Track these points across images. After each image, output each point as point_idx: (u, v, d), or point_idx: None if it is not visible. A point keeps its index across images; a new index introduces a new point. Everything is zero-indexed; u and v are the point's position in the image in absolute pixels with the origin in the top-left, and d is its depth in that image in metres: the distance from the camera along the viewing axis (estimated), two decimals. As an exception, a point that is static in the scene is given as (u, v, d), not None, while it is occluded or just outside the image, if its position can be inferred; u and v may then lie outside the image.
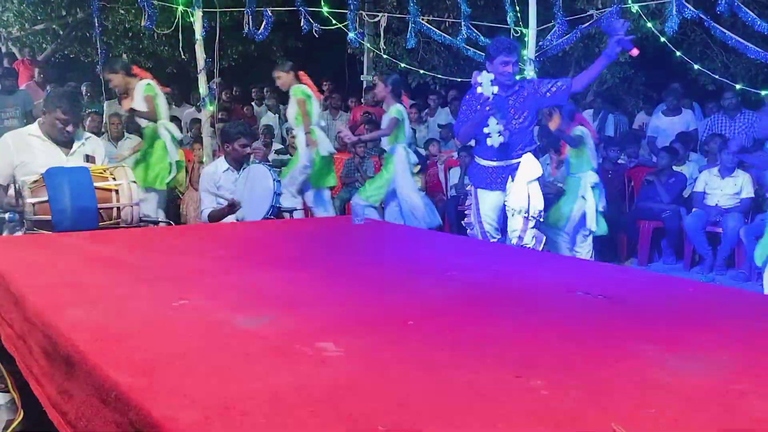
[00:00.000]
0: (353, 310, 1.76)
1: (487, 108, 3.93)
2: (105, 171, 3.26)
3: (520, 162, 4.06)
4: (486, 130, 3.99)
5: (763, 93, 5.91)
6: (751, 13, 4.77)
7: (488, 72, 3.98)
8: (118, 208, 3.16)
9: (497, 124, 3.96)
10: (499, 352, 1.46)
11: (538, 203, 4.05)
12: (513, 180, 4.07)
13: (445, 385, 1.26)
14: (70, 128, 3.51)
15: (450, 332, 1.59)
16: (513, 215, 4.08)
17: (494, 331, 1.62)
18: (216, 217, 4.30)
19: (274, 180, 4.25)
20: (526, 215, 4.02)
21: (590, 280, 2.24)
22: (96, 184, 3.10)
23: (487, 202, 4.21)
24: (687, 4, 5.06)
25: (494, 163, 4.15)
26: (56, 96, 3.66)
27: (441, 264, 2.48)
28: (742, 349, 1.53)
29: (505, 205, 4.16)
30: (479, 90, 3.91)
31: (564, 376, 1.31)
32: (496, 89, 3.91)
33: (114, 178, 3.20)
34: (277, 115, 9.49)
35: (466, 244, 3.16)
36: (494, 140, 3.98)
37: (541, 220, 4.11)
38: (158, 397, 1.15)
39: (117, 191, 3.16)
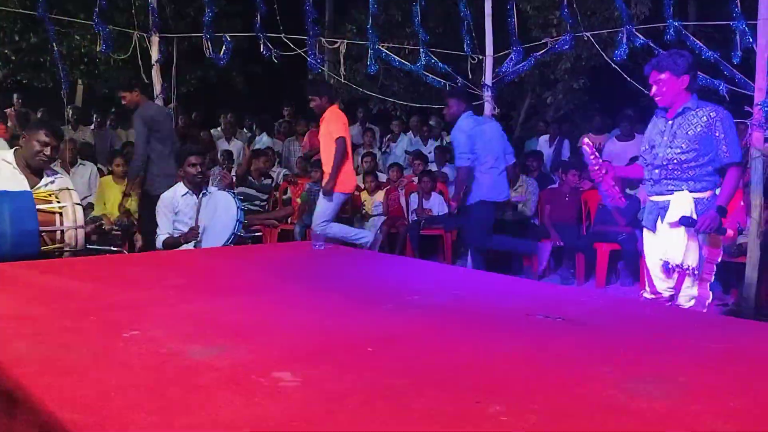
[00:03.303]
0: (311, 338, 1.73)
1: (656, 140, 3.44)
2: (50, 195, 3.16)
3: (670, 200, 3.40)
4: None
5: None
6: (698, 41, 4.94)
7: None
8: (62, 232, 3.06)
9: (650, 153, 3.49)
10: (459, 377, 1.44)
11: (676, 252, 3.33)
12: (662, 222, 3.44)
13: (405, 413, 1.23)
14: (48, 151, 3.37)
15: (410, 358, 1.57)
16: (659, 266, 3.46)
17: (454, 357, 1.60)
18: (171, 244, 4.20)
19: (238, 208, 4.19)
20: (671, 266, 3.35)
21: (549, 303, 2.25)
22: (39, 207, 3.00)
23: (647, 243, 3.58)
24: (637, 33, 5.23)
25: (652, 198, 3.53)
26: (40, 120, 3.60)
27: (401, 289, 2.46)
28: (698, 369, 1.55)
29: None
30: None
31: (524, 400, 1.30)
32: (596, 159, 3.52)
33: (58, 201, 3.10)
34: (240, 141, 9.41)
35: (426, 269, 3.16)
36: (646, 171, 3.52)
37: (696, 272, 3.34)
38: (104, 434, 1.10)
39: (61, 214, 3.07)
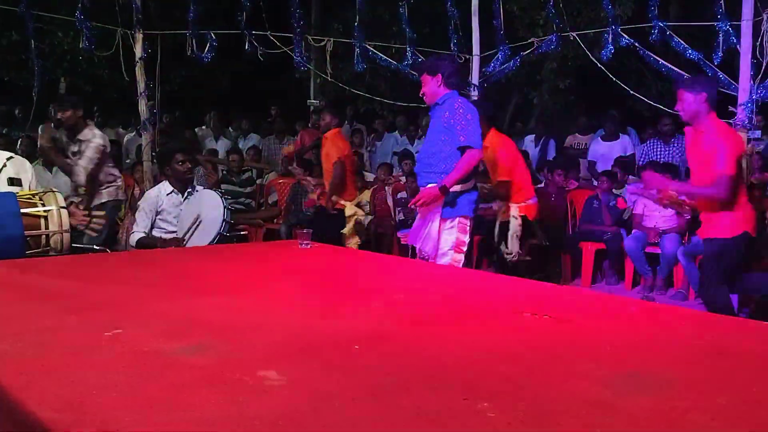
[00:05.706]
0: (297, 337, 1.71)
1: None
2: (34, 196, 3.10)
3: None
4: None
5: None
6: (682, 42, 4.98)
7: None
8: (47, 236, 3.00)
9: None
10: (446, 375, 1.43)
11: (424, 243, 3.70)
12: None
13: (392, 411, 1.22)
14: None
15: (397, 356, 1.56)
16: None
17: (441, 354, 1.59)
18: (146, 244, 4.13)
19: (225, 208, 4.14)
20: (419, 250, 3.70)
21: (536, 301, 2.25)
22: (23, 211, 2.93)
23: None
24: (622, 34, 5.26)
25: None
26: None
27: (388, 287, 2.45)
28: (684, 366, 1.55)
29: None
30: None
31: (511, 397, 1.30)
32: None
33: (43, 204, 3.04)
34: (227, 139, 9.35)
35: (412, 267, 3.15)
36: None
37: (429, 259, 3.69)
38: (85, 434, 1.08)
39: (46, 218, 3.00)
